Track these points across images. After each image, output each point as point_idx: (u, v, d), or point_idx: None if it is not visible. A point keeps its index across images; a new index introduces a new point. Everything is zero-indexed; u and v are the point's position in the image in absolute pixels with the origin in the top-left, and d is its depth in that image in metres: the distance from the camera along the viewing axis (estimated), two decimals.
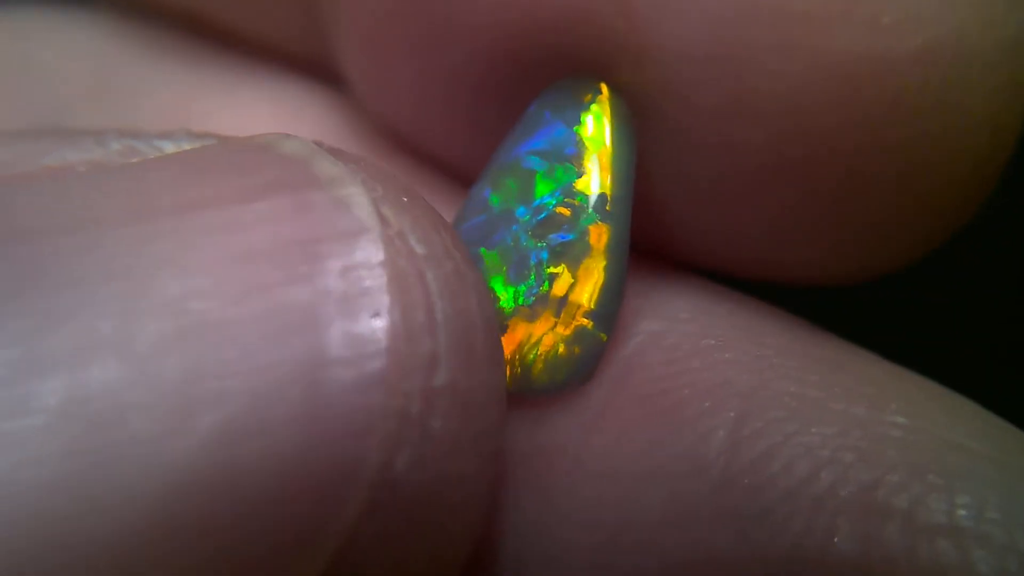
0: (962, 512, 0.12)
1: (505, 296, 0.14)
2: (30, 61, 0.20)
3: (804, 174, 0.13)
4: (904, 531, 0.12)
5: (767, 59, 0.13)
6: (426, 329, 0.11)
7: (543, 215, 0.14)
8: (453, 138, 0.16)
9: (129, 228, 0.11)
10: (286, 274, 0.11)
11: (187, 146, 0.12)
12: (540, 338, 0.14)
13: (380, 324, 0.11)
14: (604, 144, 0.14)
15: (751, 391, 0.13)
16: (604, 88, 0.14)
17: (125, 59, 0.19)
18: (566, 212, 0.14)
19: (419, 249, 0.11)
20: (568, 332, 0.14)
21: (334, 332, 0.11)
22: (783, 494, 0.13)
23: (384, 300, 0.11)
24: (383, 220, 0.11)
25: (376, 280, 0.11)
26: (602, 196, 0.14)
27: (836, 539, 0.12)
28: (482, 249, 0.14)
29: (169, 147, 0.12)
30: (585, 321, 0.14)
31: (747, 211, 0.14)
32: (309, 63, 0.18)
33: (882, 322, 0.15)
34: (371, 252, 0.11)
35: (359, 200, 0.11)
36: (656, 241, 0.15)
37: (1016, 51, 0.13)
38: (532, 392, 0.14)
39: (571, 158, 0.14)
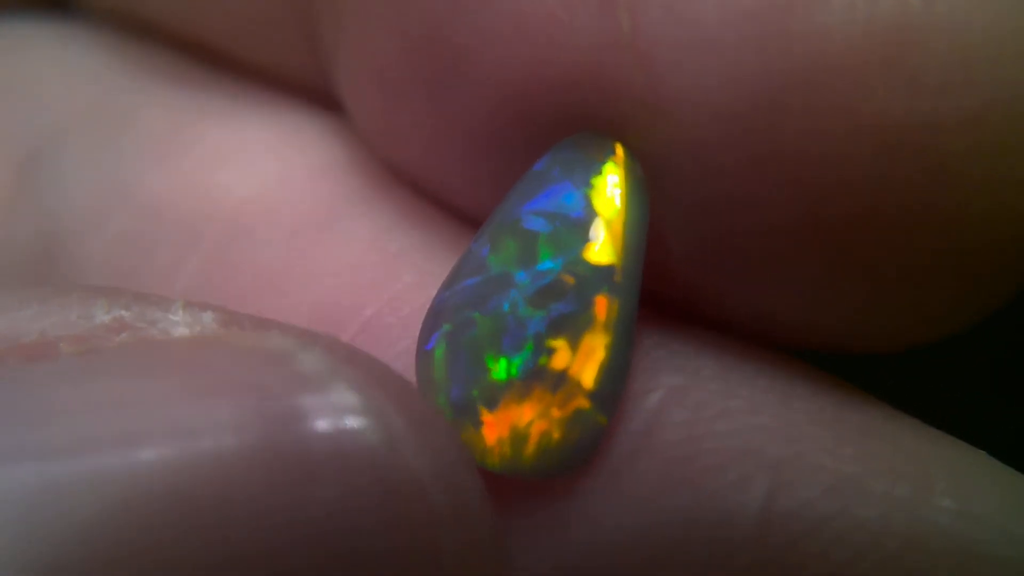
0: None
1: (498, 367, 0.13)
2: (25, 80, 0.19)
3: (832, 241, 0.12)
4: None
5: (796, 119, 0.12)
6: None
7: (544, 282, 0.13)
8: (457, 184, 0.15)
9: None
10: None
11: (182, 323, 0.11)
12: (534, 418, 0.13)
13: None
14: (615, 208, 0.13)
15: (782, 463, 0.12)
16: (619, 148, 0.13)
17: (122, 79, 0.18)
18: (570, 280, 0.13)
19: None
20: (565, 414, 0.13)
21: None
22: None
23: None
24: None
25: None
26: (610, 266, 0.13)
27: None
28: (475, 314, 0.13)
29: (162, 322, 0.11)
30: (584, 402, 0.13)
31: (768, 276, 0.13)
32: (309, 90, 0.17)
33: (919, 381, 0.14)
34: None
35: (370, 438, 0.11)
36: (674, 303, 0.14)
37: None
38: (523, 476, 0.13)
39: (579, 222, 0.13)
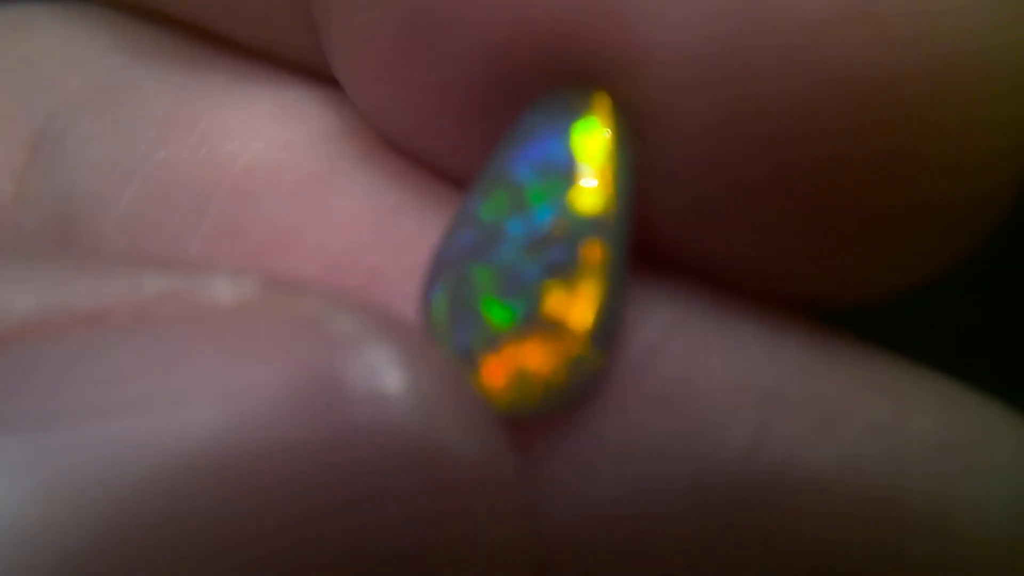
0: (994, 520, 0.12)
1: (498, 314, 0.13)
2: (31, 61, 0.20)
3: (805, 190, 0.13)
4: (935, 544, 0.12)
5: (768, 69, 0.12)
6: (466, 551, 0.11)
7: (537, 230, 0.13)
8: (449, 147, 0.16)
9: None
10: None
11: (227, 288, 0.12)
12: (536, 360, 0.13)
13: None
14: (602, 156, 0.13)
15: (772, 390, 0.13)
16: (603, 97, 0.14)
17: (124, 60, 0.19)
18: (562, 228, 0.13)
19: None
20: (566, 353, 0.13)
21: None
22: (805, 500, 0.13)
23: None
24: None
25: None
26: (601, 212, 0.13)
27: (862, 547, 0.12)
28: (472, 265, 0.14)
29: (207, 290, 0.12)
30: (584, 341, 0.13)
31: (746, 227, 0.13)
32: (306, 67, 0.18)
33: (897, 331, 0.14)
34: None
35: (392, 384, 0.11)
36: (659, 253, 0.14)
37: None
38: (527, 415, 0.14)
39: (566, 169, 0.14)
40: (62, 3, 0.20)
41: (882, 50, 0.12)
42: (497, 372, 0.13)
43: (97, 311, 0.12)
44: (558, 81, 0.14)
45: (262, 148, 0.17)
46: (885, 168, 0.12)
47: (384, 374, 0.11)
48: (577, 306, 0.13)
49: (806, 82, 0.12)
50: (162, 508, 0.11)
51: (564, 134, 0.14)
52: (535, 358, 0.13)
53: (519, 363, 0.13)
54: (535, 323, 0.13)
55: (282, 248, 0.16)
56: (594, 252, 0.13)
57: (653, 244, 0.14)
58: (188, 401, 0.11)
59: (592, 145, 0.14)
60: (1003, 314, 0.21)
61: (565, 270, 0.13)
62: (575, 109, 0.14)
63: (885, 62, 0.12)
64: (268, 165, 0.17)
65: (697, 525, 0.13)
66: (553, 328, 0.13)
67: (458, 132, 0.15)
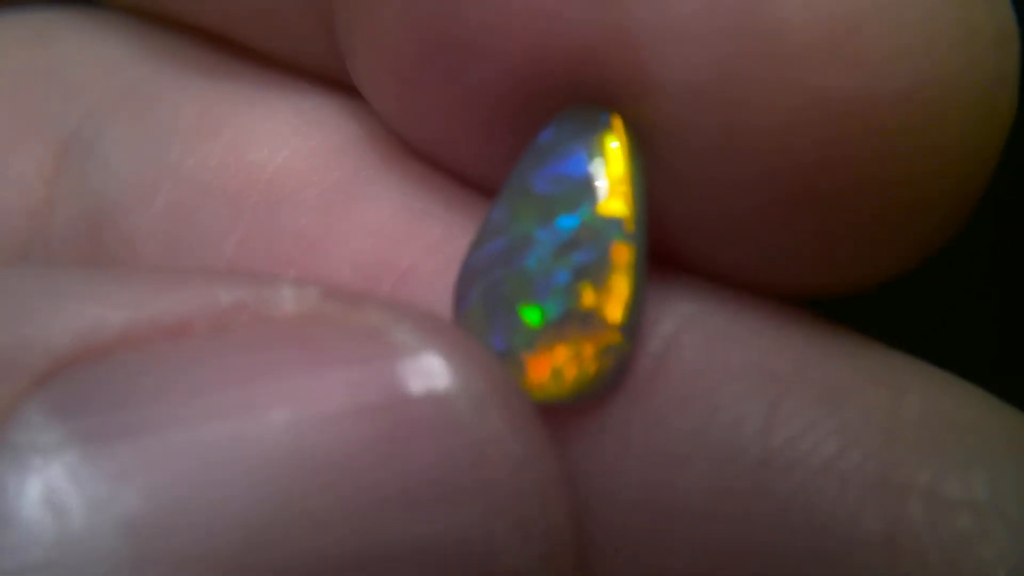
0: (979, 488, 0.14)
1: (532, 315, 0.15)
2: (57, 69, 0.20)
3: (797, 196, 0.14)
4: (927, 506, 0.14)
5: (760, 95, 0.14)
6: (519, 544, 0.13)
7: (564, 236, 0.15)
8: (473, 156, 0.17)
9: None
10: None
11: (292, 298, 0.13)
12: (569, 354, 0.15)
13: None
14: (619, 167, 0.15)
15: (783, 375, 0.15)
16: (615, 117, 0.15)
17: (148, 69, 0.20)
18: (587, 232, 0.15)
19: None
20: (598, 347, 0.15)
21: None
22: (814, 472, 0.14)
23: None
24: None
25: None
26: (621, 216, 0.15)
27: (863, 515, 0.14)
28: (504, 272, 0.15)
29: (274, 300, 0.13)
30: (614, 335, 0.15)
31: (747, 231, 0.15)
32: (327, 77, 0.19)
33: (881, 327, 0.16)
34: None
35: (447, 385, 0.13)
36: (670, 257, 0.16)
37: (994, 88, 0.14)
38: (562, 403, 0.15)
39: (587, 180, 0.15)
40: (81, 11, 0.21)
41: (859, 76, 0.14)
42: (535, 368, 0.15)
43: (179, 324, 0.13)
44: (575, 99, 0.15)
45: (288, 156, 0.18)
46: (866, 176, 0.14)
47: (440, 376, 0.13)
48: (610, 301, 0.15)
49: (794, 104, 0.14)
50: (252, 501, 0.12)
51: (584, 149, 0.15)
52: (570, 351, 0.15)
53: (555, 357, 0.15)
54: (571, 318, 0.15)
55: (315, 252, 0.17)
56: (621, 252, 0.15)
57: (666, 247, 0.16)
58: (269, 407, 0.12)
59: (610, 159, 0.15)
60: (969, 305, 0.23)
61: (596, 269, 0.15)
62: (593, 127, 0.15)
63: (862, 86, 0.14)
64: (295, 172, 0.18)
65: (719, 502, 0.14)
66: (588, 321, 0.15)
67: (479, 142, 0.17)
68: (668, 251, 0.16)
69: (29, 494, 0.12)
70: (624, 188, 0.15)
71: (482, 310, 0.15)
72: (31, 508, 0.12)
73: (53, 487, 0.12)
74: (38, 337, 0.13)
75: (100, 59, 0.20)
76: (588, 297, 0.15)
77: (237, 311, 0.13)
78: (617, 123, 0.15)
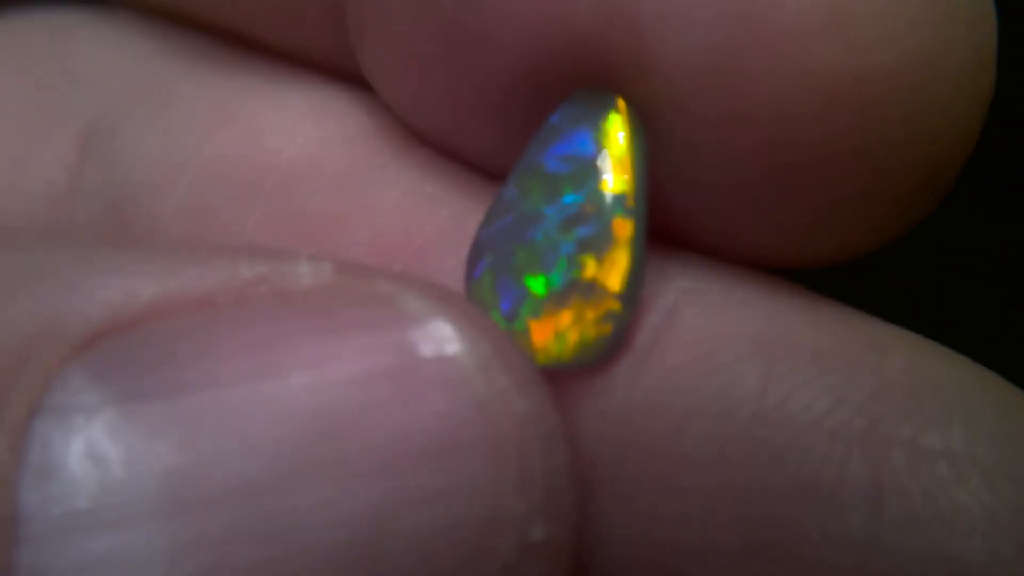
0: (956, 440, 0.15)
1: (537, 284, 0.16)
2: (75, 63, 0.21)
3: (791, 171, 0.15)
4: (908, 456, 0.15)
5: (755, 72, 0.15)
6: (522, 489, 0.13)
7: (569, 212, 0.16)
8: (481, 143, 0.18)
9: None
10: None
11: (308, 272, 0.14)
12: (572, 320, 0.16)
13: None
14: (622, 149, 0.16)
15: (776, 341, 0.16)
16: (620, 100, 0.16)
17: (163, 62, 0.21)
18: (591, 208, 0.16)
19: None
20: (598, 314, 0.16)
21: None
22: (805, 428, 0.15)
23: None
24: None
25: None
26: (623, 194, 0.16)
27: (851, 464, 0.15)
28: (513, 245, 0.16)
29: (292, 274, 0.14)
30: (613, 303, 0.16)
31: (743, 205, 0.16)
32: (336, 70, 0.20)
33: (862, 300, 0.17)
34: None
35: (455, 348, 0.13)
36: (669, 231, 0.17)
37: (974, 67, 0.15)
38: (565, 367, 0.16)
39: (592, 160, 0.16)
40: (96, 10, 0.22)
41: (848, 56, 0.15)
42: (539, 332, 0.16)
43: (204, 296, 0.14)
44: (581, 85, 0.16)
45: (302, 143, 0.19)
46: (856, 148, 0.15)
47: (448, 340, 0.14)
48: (611, 271, 0.16)
49: (788, 84, 0.15)
50: (276, 453, 0.13)
51: (590, 130, 0.16)
52: (573, 316, 0.16)
53: (558, 323, 0.16)
54: (574, 287, 0.16)
55: (330, 232, 0.18)
56: (622, 226, 0.16)
57: (666, 224, 0.17)
58: (290, 370, 0.13)
59: (614, 139, 0.16)
60: (943, 279, 0.24)
61: (598, 242, 0.16)
62: (598, 109, 0.16)
63: (853, 65, 0.15)
64: (310, 159, 0.19)
65: (717, 451, 0.15)
66: (590, 290, 0.16)
67: (488, 129, 0.17)
68: (668, 228, 0.17)
69: (73, 449, 0.13)
70: (627, 166, 0.16)
71: (492, 280, 0.16)
72: (76, 462, 0.13)
73: (95, 442, 0.13)
74: (76, 309, 0.14)
75: (117, 55, 0.21)
76: (590, 268, 0.16)
77: (257, 284, 0.14)
78: (621, 105, 0.16)
